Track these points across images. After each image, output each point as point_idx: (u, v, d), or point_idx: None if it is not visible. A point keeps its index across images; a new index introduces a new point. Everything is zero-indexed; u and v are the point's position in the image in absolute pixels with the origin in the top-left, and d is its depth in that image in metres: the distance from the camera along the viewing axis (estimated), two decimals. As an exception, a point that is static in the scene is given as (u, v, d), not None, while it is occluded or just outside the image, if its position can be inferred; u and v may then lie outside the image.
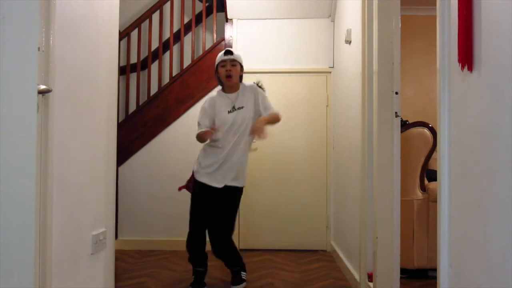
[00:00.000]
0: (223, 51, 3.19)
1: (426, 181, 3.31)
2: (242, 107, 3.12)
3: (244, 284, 3.21)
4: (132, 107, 4.59)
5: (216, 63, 3.19)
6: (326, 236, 4.43)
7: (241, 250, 4.01)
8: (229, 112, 3.11)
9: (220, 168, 3.10)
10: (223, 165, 3.09)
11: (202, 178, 3.11)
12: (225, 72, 3.11)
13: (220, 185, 3.10)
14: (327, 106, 4.47)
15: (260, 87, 3.25)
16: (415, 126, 3.25)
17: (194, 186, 3.16)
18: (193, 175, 3.19)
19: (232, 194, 3.16)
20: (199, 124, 3.16)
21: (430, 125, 3.23)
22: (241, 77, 3.23)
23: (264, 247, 4.27)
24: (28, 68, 1.05)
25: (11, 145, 0.97)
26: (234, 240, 3.30)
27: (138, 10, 4.91)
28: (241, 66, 3.21)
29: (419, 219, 3.22)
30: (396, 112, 2.55)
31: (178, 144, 4.45)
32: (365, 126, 2.90)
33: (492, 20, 1.33)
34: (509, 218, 1.22)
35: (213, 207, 3.13)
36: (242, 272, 3.25)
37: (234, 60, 3.13)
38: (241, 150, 3.12)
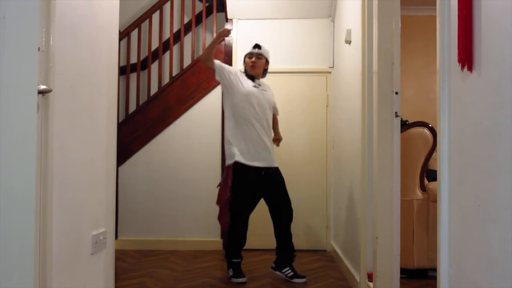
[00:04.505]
0: (253, 45, 3.52)
1: (426, 181, 3.31)
2: (265, 90, 3.46)
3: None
4: (132, 107, 4.59)
5: (245, 54, 3.55)
6: (326, 236, 4.43)
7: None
8: (253, 86, 3.40)
9: (250, 144, 3.33)
10: (251, 142, 3.33)
11: (240, 158, 3.30)
12: (251, 63, 3.45)
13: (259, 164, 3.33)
14: (327, 106, 4.47)
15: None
16: (415, 126, 3.25)
17: (232, 173, 3.30)
18: (227, 169, 3.35)
19: (272, 175, 3.43)
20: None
21: (430, 125, 3.23)
22: (265, 71, 3.55)
23: (264, 247, 4.27)
24: (28, 68, 1.05)
25: (11, 145, 0.97)
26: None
27: (138, 10, 4.91)
28: (267, 61, 3.54)
29: (419, 219, 3.22)
30: (396, 112, 2.55)
31: (178, 144, 4.46)
32: (365, 126, 2.90)
33: (492, 20, 1.33)
34: (509, 218, 1.22)
35: (264, 189, 3.41)
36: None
37: (260, 54, 3.48)
38: (264, 128, 3.38)
